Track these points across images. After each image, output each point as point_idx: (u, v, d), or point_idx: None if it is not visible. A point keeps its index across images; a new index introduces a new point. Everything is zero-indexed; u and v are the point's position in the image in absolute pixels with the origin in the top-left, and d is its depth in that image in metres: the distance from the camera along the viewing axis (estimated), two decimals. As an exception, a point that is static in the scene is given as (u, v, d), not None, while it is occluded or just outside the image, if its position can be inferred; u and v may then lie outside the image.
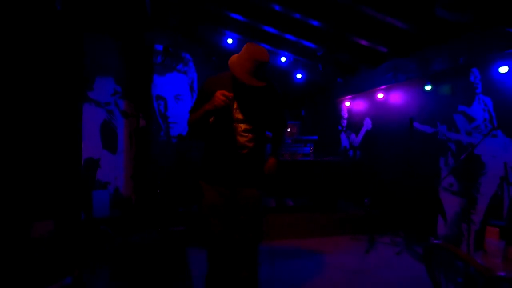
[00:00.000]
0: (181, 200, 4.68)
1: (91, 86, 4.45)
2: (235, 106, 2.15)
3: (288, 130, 4.89)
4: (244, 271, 2.25)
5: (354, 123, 6.10)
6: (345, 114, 6.44)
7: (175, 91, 5.49)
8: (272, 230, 4.33)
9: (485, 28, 3.32)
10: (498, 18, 3.11)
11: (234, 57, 2.07)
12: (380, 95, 5.16)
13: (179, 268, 3.14)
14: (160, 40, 5.15)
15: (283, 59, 5.78)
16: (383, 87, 5.03)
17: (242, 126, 2.16)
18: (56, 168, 2.88)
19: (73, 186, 3.06)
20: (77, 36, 3.07)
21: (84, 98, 4.32)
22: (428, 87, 4.19)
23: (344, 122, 6.45)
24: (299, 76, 6.09)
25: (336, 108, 6.66)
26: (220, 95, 1.97)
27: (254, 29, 5.02)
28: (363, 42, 4.58)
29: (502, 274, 2.21)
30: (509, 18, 3.02)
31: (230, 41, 5.27)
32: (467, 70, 3.70)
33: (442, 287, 2.02)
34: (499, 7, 3.08)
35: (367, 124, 5.72)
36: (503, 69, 3.26)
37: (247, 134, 2.17)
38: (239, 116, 2.16)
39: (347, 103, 6.24)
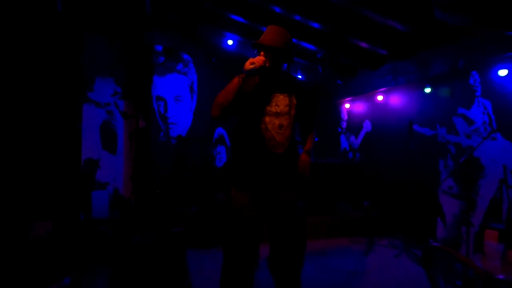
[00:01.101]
0: (181, 201, 4.68)
1: (91, 87, 4.45)
2: (268, 100, 1.96)
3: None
4: None
5: (354, 125, 6.11)
6: (344, 116, 6.45)
7: (175, 92, 5.49)
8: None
9: (484, 31, 3.33)
10: (498, 21, 3.12)
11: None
12: (379, 97, 5.17)
13: (179, 269, 3.13)
14: (160, 41, 5.16)
15: (283, 60, 5.79)
16: (383, 89, 5.04)
17: (277, 122, 1.94)
18: (55, 169, 2.88)
19: (73, 186, 3.05)
20: (77, 36, 3.07)
21: (84, 98, 4.32)
22: (427, 90, 4.20)
23: (344, 124, 6.45)
24: (299, 77, 6.09)
25: (335, 110, 6.67)
26: (249, 62, 1.86)
27: (254, 31, 5.03)
28: (363, 45, 4.59)
29: (501, 277, 2.21)
30: (509, 21, 3.03)
31: (230, 42, 5.28)
32: (466, 73, 3.71)
33: (441, 290, 2.02)
34: (498, 10, 3.09)
35: (367, 126, 5.73)
36: (503, 72, 3.27)
37: (282, 131, 1.94)
38: (273, 109, 1.94)
39: (347, 105, 6.24)
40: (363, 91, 5.58)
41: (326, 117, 7.02)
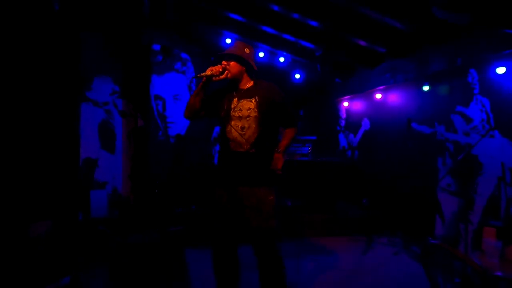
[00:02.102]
0: (179, 200, 4.68)
1: (89, 86, 4.44)
2: (232, 106, 2.26)
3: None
4: (264, 271, 2.26)
5: (353, 124, 6.11)
6: (343, 115, 6.45)
7: (174, 91, 5.48)
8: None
9: (482, 29, 3.34)
10: (496, 19, 3.12)
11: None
12: (378, 96, 5.17)
13: (177, 268, 3.13)
14: (158, 39, 5.15)
15: (282, 59, 5.79)
16: (381, 87, 5.04)
17: (240, 124, 2.21)
18: (54, 168, 2.87)
19: (71, 186, 3.05)
20: (74, 36, 3.07)
21: (82, 97, 4.31)
22: (426, 88, 4.21)
23: (343, 123, 6.46)
24: (297, 76, 6.09)
25: (334, 109, 6.67)
26: (208, 69, 2.23)
27: (252, 29, 5.02)
28: (362, 43, 4.59)
29: (499, 274, 2.22)
30: (507, 19, 3.03)
31: (228, 41, 5.27)
32: (464, 70, 3.71)
33: (440, 287, 2.02)
34: (496, 8, 3.10)
35: (365, 124, 5.73)
36: (501, 70, 3.27)
37: (244, 132, 2.20)
38: (237, 113, 2.23)
39: (346, 104, 6.25)
40: (361, 89, 5.58)
41: (325, 116, 7.02)
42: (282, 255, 2.27)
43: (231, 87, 2.34)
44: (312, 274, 3.31)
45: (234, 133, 2.21)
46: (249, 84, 2.33)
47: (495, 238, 2.66)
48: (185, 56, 5.54)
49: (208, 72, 2.21)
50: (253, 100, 2.24)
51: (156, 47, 5.05)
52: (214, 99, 2.36)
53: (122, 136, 4.77)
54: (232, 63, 2.27)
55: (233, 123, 2.22)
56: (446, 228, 3.97)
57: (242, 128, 2.20)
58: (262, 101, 2.23)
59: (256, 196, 2.18)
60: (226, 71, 2.25)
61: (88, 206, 4.20)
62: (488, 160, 3.46)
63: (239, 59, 2.27)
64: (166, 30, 5.06)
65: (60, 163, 2.94)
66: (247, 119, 2.21)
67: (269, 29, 4.82)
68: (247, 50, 2.31)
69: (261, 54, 5.61)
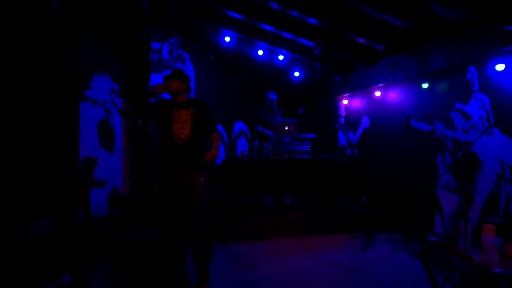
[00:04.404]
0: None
1: (88, 85, 4.43)
2: (174, 112, 2.99)
3: (286, 128, 4.89)
4: (196, 231, 2.98)
5: (352, 121, 6.11)
6: (342, 112, 6.45)
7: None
8: (270, 228, 4.34)
9: (482, 26, 3.33)
10: (495, 16, 3.12)
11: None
12: (377, 93, 5.17)
13: (177, 265, 3.14)
14: (157, 38, 5.13)
15: (281, 57, 5.78)
16: (381, 85, 5.04)
17: (179, 125, 2.96)
18: (53, 167, 2.87)
19: (71, 184, 3.05)
20: (73, 34, 3.06)
21: (81, 96, 4.30)
22: (425, 85, 4.21)
23: (342, 120, 6.46)
24: (296, 74, 6.08)
25: (333, 106, 6.67)
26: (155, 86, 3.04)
27: (251, 27, 5.01)
28: (361, 40, 4.59)
29: (498, 270, 2.23)
30: (506, 16, 3.03)
31: (227, 39, 5.26)
32: (464, 68, 3.71)
33: (439, 284, 2.03)
34: (495, 4, 3.09)
35: (365, 122, 5.73)
36: (500, 67, 3.27)
37: (182, 131, 2.95)
38: (177, 118, 2.98)
39: (345, 101, 6.24)
40: (361, 87, 5.58)
41: (324, 114, 7.02)
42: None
43: (172, 98, 3.10)
44: (311, 272, 3.31)
45: (176, 131, 2.95)
46: (188, 97, 3.16)
47: (495, 235, 2.66)
48: (184, 54, 5.53)
49: (155, 88, 3.02)
50: (191, 110, 3.01)
51: (156, 45, 5.04)
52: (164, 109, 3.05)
53: (121, 135, 4.77)
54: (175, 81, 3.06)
55: (174, 124, 2.95)
56: (445, 225, 3.98)
57: (181, 128, 2.96)
58: (196, 111, 3.04)
59: (193, 178, 2.99)
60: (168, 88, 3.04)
61: (88, 205, 4.21)
62: (487, 157, 3.47)
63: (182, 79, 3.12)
64: (165, 28, 5.05)
65: (60, 162, 2.94)
66: (186, 122, 2.98)
67: (268, 27, 4.81)
68: (182, 75, 3.14)
69: (260, 52, 5.61)
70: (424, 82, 4.20)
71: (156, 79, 5.21)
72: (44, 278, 2.58)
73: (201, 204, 2.98)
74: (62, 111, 2.98)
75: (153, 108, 3.10)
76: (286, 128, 4.87)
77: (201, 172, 3.03)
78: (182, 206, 3.02)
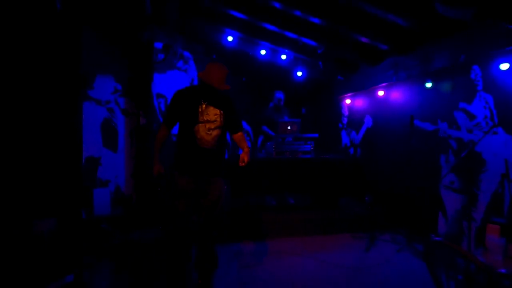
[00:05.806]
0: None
1: (91, 85, 4.44)
2: (200, 110, 2.68)
3: (289, 127, 4.88)
4: (204, 237, 2.87)
5: (355, 121, 6.10)
6: (345, 112, 6.44)
7: (176, 89, 5.47)
8: (273, 228, 4.34)
9: (485, 25, 3.32)
10: (499, 15, 3.10)
11: (203, 73, 2.72)
12: (380, 93, 5.16)
13: (180, 265, 3.14)
14: (160, 38, 5.14)
15: (284, 56, 5.78)
16: (384, 84, 5.02)
17: (207, 126, 2.68)
18: (57, 167, 2.88)
19: (74, 184, 3.06)
20: (76, 34, 3.07)
21: (84, 96, 4.32)
22: (428, 85, 4.19)
23: (345, 120, 6.45)
24: (299, 73, 6.08)
25: (336, 106, 6.66)
26: (156, 172, 2.91)
27: (254, 27, 5.01)
28: (364, 40, 4.57)
29: (503, 271, 2.21)
30: (510, 15, 3.01)
31: (230, 39, 5.26)
32: (468, 67, 3.69)
33: (443, 284, 2.02)
34: (499, 3, 3.07)
35: (368, 121, 5.72)
36: (504, 66, 3.25)
37: (210, 133, 2.69)
38: (205, 117, 2.69)
39: (348, 101, 6.23)
40: (364, 86, 5.56)
41: (327, 113, 7.01)
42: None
43: (197, 93, 2.77)
44: (314, 272, 3.31)
45: (201, 133, 2.69)
46: (225, 87, 2.77)
47: (499, 235, 2.65)
48: (186, 54, 5.54)
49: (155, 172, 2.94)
50: (219, 106, 2.76)
51: (158, 45, 5.05)
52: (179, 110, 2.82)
53: (124, 134, 4.78)
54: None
55: (201, 124, 2.68)
56: (449, 225, 3.96)
57: (209, 129, 2.71)
58: (224, 109, 2.79)
59: (216, 185, 2.81)
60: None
61: (91, 204, 4.22)
62: (491, 157, 3.45)
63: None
64: (168, 28, 5.06)
65: (63, 162, 2.95)
66: (213, 123, 2.72)
67: (270, 27, 4.81)
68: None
69: (263, 52, 5.60)
70: (427, 82, 4.18)
71: (159, 78, 5.23)
72: (48, 277, 2.60)
73: (221, 210, 2.85)
74: (66, 111, 2.99)
75: (175, 114, 2.83)
76: (289, 127, 4.86)
77: (224, 178, 2.87)
78: (195, 207, 2.82)
